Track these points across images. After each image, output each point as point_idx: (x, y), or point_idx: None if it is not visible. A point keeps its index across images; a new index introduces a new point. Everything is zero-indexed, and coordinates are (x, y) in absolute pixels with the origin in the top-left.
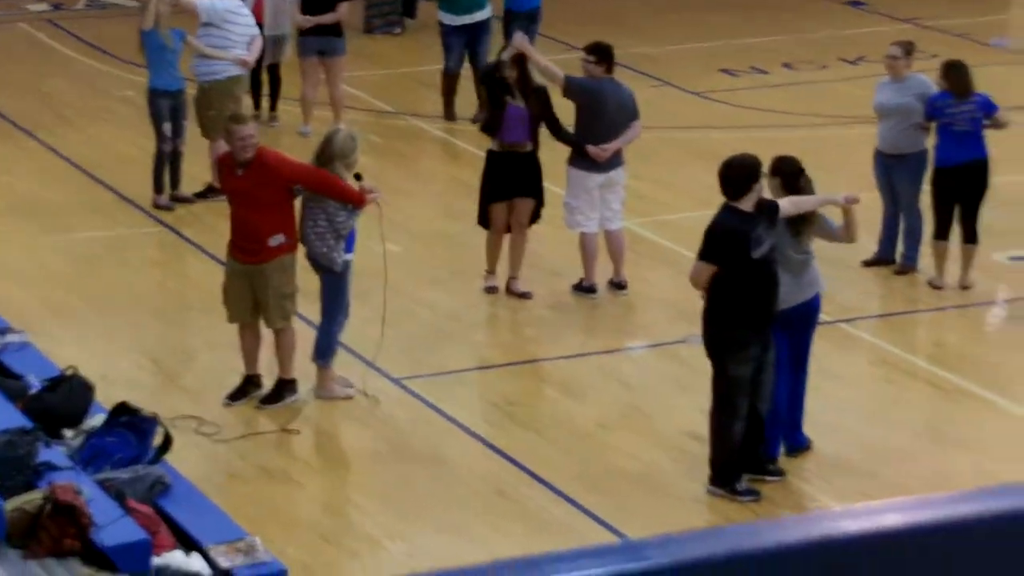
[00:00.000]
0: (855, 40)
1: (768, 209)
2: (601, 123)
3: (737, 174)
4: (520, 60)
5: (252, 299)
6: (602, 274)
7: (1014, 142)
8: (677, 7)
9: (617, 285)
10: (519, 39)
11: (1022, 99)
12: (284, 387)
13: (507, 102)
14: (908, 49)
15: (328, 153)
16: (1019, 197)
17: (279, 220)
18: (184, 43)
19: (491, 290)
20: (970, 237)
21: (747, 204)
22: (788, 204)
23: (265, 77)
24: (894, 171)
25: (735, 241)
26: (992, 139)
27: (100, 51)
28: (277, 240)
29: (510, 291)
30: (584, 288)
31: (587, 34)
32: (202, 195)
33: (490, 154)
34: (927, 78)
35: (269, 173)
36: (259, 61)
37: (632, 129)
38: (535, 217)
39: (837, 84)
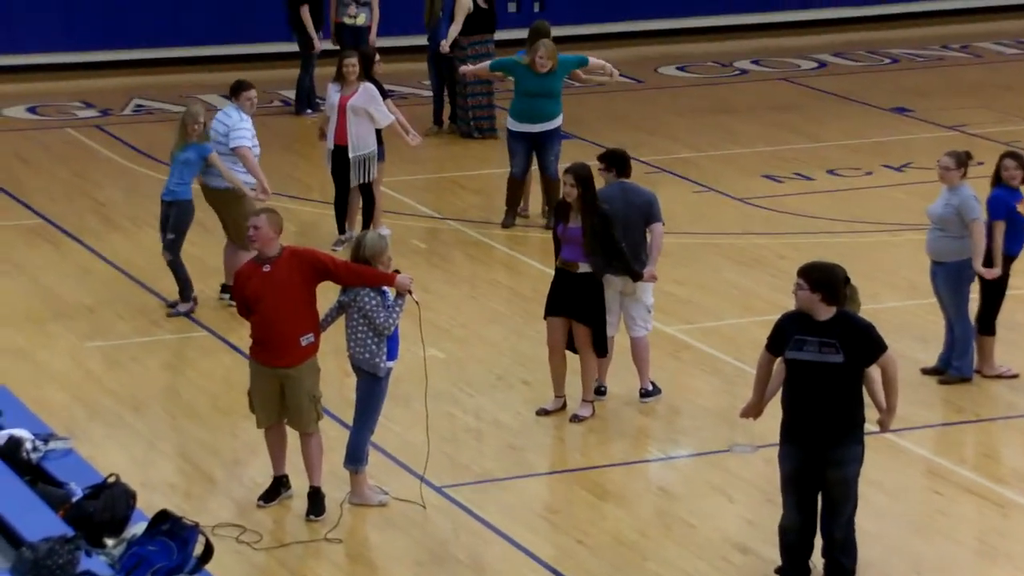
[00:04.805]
0: (901, 147)
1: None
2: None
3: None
4: (585, 181)
5: (280, 402)
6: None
7: None
8: (716, 113)
9: (642, 393)
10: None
11: None
12: (321, 495)
13: (566, 220)
14: (960, 159)
15: (360, 256)
16: None
17: (308, 319)
18: (203, 159)
19: (540, 412)
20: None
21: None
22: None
23: (353, 199)
24: (936, 277)
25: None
26: None
27: (145, 156)
28: (307, 339)
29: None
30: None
31: (623, 140)
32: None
33: (556, 270)
34: (970, 193)
35: (297, 263)
36: (344, 183)
37: (653, 237)
38: (599, 348)
39: (883, 191)
